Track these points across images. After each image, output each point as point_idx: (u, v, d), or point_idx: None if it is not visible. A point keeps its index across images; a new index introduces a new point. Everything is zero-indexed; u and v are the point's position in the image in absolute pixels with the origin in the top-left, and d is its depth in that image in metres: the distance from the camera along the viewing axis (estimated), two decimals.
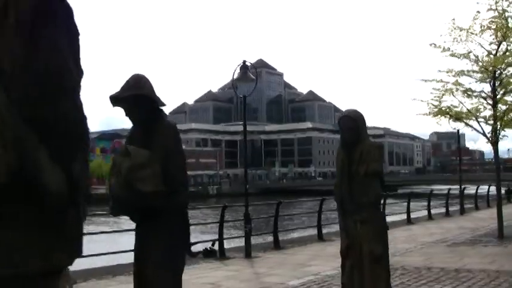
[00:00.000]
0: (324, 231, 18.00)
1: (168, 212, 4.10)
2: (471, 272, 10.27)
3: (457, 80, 15.00)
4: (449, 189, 28.20)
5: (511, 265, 10.92)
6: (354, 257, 5.31)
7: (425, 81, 15.31)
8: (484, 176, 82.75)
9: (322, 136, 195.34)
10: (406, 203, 23.53)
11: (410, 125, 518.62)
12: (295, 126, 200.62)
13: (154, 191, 3.99)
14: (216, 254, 13.98)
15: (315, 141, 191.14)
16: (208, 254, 14.11)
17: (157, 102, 4.29)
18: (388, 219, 21.60)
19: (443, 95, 15.24)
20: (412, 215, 24.08)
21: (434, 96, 15.35)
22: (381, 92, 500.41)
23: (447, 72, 15.29)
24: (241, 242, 15.18)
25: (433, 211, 25.63)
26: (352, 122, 5.46)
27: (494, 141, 15.51)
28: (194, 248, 15.02)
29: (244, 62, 14.02)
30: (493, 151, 16.06)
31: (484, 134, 15.68)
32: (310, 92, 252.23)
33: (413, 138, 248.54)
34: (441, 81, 15.17)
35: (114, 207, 4.20)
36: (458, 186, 26.71)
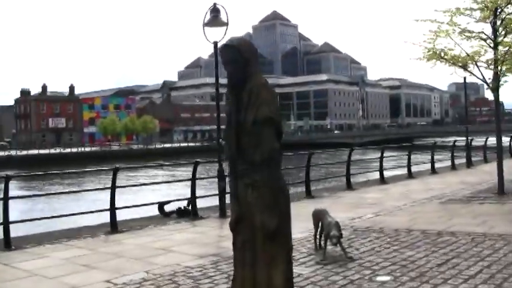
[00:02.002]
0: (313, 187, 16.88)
1: None
2: (455, 235, 9.05)
3: (451, 19, 13.53)
4: (455, 140, 26.72)
5: (502, 227, 9.67)
6: (246, 231, 4.08)
7: (418, 21, 13.83)
8: (502, 127, 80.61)
9: (338, 88, 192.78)
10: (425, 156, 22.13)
11: (428, 76, 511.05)
12: (311, 79, 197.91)
13: None
14: (190, 214, 12.95)
15: (331, 93, 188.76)
16: (182, 213, 13.20)
17: None
18: (387, 173, 20.62)
19: (437, 36, 13.78)
20: (415, 169, 22.81)
21: (428, 38, 13.91)
22: (399, 41, 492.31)
23: (444, 12, 13.80)
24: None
25: (438, 164, 24.28)
26: (235, 53, 4.09)
27: (494, 87, 14.09)
28: (167, 208, 14.00)
29: (214, 4, 12.56)
30: None
31: (483, 80, 14.28)
32: (326, 44, 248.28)
33: (431, 89, 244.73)
34: (435, 21, 13.68)
35: None
36: (480, 138, 25.04)
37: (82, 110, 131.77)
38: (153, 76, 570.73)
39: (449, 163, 24.70)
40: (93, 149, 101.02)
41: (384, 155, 20.32)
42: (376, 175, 20.24)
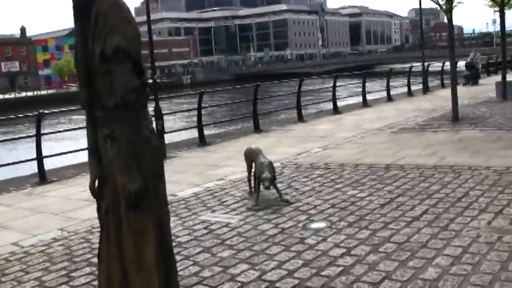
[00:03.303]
0: (265, 120, 16.12)
1: None
2: (403, 169, 8.38)
3: None
4: (411, 66, 26.05)
5: (453, 157, 9.05)
6: (109, 195, 3.24)
7: None
8: (461, 51, 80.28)
9: (298, 17, 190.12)
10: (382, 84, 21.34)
11: (388, 3, 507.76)
12: (270, 9, 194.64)
13: None
14: None
15: (291, 23, 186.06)
16: None
17: None
18: (343, 103, 19.90)
19: None
20: (371, 97, 22.18)
21: None
22: None
23: None
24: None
25: (396, 91, 23.68)
26: None
27: (447, 8, 13.30)
28: None
29: None
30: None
31: (436, 2, 13.48)
32: None
33: (391, 16, 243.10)
34: None
35: None
36: (439, 63, 24.19)
37: (35, 52, 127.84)
38: None
39: (404, 89, 24.09)
40: (50, 91, 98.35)
41: (341, 83, 19.53)
42: (330, 105, 19.45)
